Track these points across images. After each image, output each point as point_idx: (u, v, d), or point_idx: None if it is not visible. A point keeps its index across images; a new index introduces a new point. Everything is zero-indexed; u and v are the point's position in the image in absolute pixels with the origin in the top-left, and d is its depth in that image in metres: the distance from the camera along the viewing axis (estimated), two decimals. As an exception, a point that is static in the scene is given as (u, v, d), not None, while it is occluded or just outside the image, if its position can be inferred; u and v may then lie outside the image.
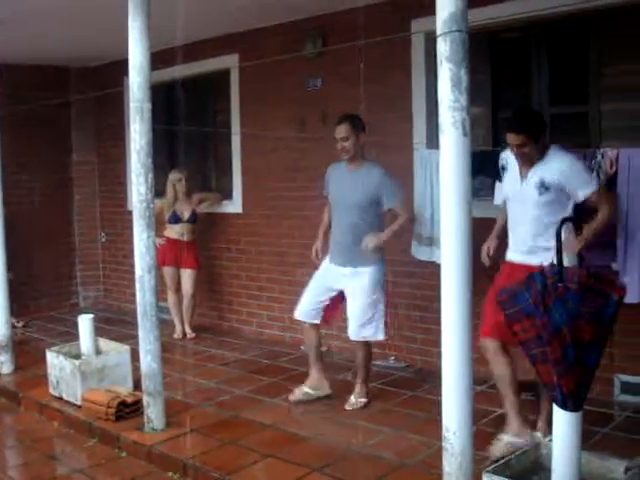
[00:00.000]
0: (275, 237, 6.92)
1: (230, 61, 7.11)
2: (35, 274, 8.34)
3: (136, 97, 4.49)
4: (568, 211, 3.99)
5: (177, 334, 7.22)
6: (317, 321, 5.17)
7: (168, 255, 7.06)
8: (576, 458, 3.01)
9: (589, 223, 3.98)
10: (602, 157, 4.52)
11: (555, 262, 3.03)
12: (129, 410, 4.91)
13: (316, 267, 5.26)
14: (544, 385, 3.15)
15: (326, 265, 5.17)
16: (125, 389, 5.17)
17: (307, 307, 5.17)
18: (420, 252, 5.52)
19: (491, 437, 4.16)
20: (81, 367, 5.21)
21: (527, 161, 4.08)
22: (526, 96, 5.36)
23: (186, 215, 7.11)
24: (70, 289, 8.93)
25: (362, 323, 4.97)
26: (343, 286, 5.05)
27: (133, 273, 4.67)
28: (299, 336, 6.71)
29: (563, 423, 3.01)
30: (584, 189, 3.96)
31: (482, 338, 4.13)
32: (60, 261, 8.79)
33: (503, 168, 4.30)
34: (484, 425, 4.49)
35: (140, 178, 4.53)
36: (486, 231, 4.44)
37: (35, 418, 5.38)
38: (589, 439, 4.00)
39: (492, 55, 5.58)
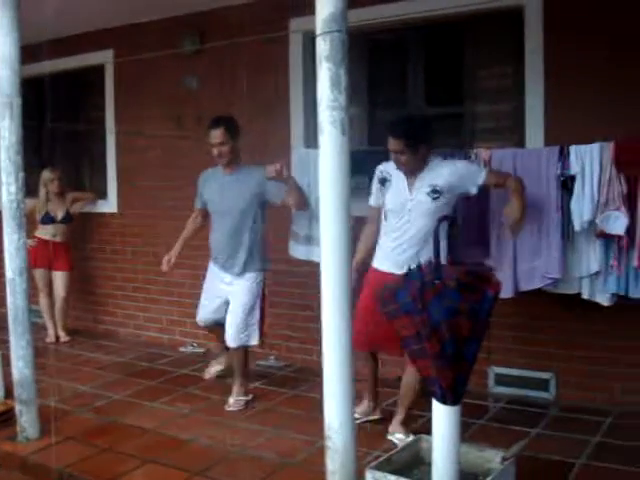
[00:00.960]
0: (151, 237, 6.78)
1: (104, 56, 6.91)
2: None
3: (5, 92, 4.28)
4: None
5: (50, 338, 6.96)
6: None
7: (40, 257, 6.79)
8: (455, 450, 3.10)
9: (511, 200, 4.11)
10: (475, 157, 4.68)
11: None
12: (0, 419, 4.70)
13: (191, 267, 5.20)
14: (423, 380, 3.23)
15: (211, 268, 5.19)
16: (-3, 397, 4.94)
17: (205, 315, 5.27)
18: (297, 251, 5.53)
19: (374, 433, 4.25)
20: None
21: (409, 170, 4.14)
22: (403, 97, 5.48)
23: (60, 215, 6.87)
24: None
25: (239, 329, 4.98)
26: (226, 293, 5.08)
27: (3, 276, 4.48)
28: (178, 337, 6.65)
29: (442, 417, 3.09)
30: (478, 178, 4.09)
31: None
32: None
33: (384, 180, 4.31)
34: (367, 422, 4.57)
35: (10, 177, 4.33)
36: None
37: None
38: (466, 431, 4.13)
39: (369, 56, 5.67)
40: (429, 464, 3.18)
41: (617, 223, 4.29)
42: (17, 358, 4.44)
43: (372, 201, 4.45)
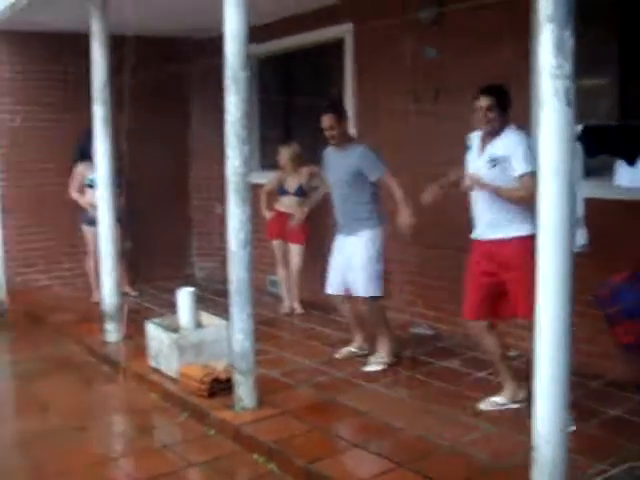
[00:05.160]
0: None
1: (343, 30, 6.85)
2: (153, 244, 8.39)
3: (232, 67, 4.33)
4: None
5: (285, 309, 7.12)
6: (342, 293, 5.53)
7: (275, 228, 6.95)
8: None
9: None
10: None
11: None
12: (223, 387, 4.82)
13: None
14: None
15: (336, 238, 5.57)
16: (222, 365, 5.07)
17: (333, 280, 5.52)
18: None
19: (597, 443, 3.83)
20: (178, 341, 5.18)
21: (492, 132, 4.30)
22: None
23: (293, 188, 6.96)
24: (187, 260, 9.04)
25: (364, 281, 5.27)
26: (347, 254, 5.37)
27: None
28: (408, 317, 6.46)
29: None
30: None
31: (466, 319, 4.52)
32: (178, 231, 8.89)
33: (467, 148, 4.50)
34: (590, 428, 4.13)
35: (235, 151, 4.38)
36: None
37: (134, 388, 5.40)
38: None
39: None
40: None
41: None
42: (238, 330, 4.53)
43: None
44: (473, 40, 5.64)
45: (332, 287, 5.54)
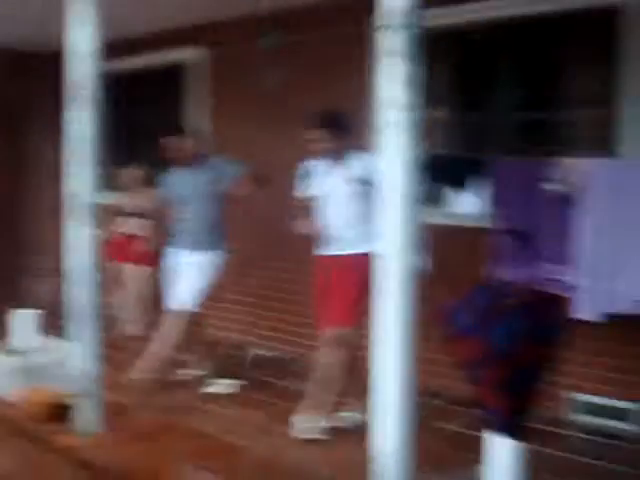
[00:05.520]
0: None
1: (187, 54, 6.95)
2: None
3: (79, 84, 4.26)
4: None
5: (126, 331, 6.96)
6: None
7: (115, 250, 6.78)
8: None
9: None
10: (560, 168, 4.31)
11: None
12: (64, 411, 4.65)
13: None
14: (484, 409, 2.96)
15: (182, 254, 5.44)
16: (63, 389, 4.90)
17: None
18: None
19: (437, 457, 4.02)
20: (17, 364, 4.99)
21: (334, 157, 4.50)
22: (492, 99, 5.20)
23: (135, 209, 6.83)
24: (26, 281, 8.67)
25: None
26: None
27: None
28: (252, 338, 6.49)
29: (500, 449, 2.84)
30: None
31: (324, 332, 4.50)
32: (18, 252, 8.57)
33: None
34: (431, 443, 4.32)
35: (75, 170, 4.32)
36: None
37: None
38: (537, 460, 3.80)
39: (458, 56, 5.40)
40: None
41: None
42: (80, 353, 4.43)
43: None
44: (318, 68, 5.82)
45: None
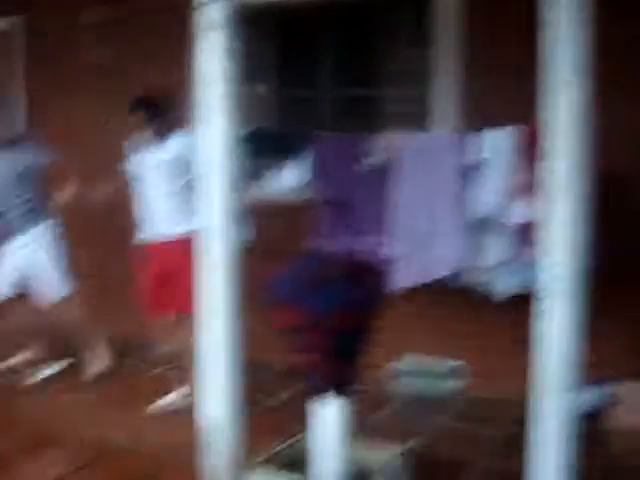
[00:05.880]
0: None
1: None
2: None
3: None
4: None
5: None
6: None
7: None
8: (342, 446, 2.98)
9: None
10: (378, 142, 4.51)
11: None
12: None
13: None
14: (306, 375, 3.07)
15: None
16: None
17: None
18: None
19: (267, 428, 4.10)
20: None
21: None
22: (313, 77, 5.31)
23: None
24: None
25: None
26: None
27: None
28: None
29: (326, 411, 2.96)
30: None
31: (152, 317, 4.62)
32: None
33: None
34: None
35: None
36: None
37: None
38: (363, 425, 4.00)
39: (280, 35, 5.48)
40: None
41: (521, 212, 4.19)
42: None
43: None
44: (139, 45, 5.72)
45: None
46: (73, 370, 5.30)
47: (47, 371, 5.28)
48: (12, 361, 5.47)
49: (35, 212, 5.13)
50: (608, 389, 3.48)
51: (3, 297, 5.24)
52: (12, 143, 5.16)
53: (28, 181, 5.12)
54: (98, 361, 5.32)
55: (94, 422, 4.42)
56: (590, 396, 3.78)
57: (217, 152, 2.98)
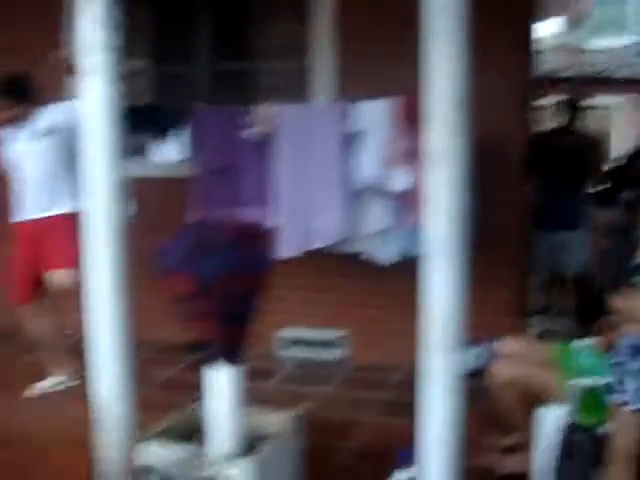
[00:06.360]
0: None
1: None
2: None
3: None
4: None
5: None
6: None
7: None
8: (235, 413, 3.00)
9: None
10: (256, 114, 4.52)
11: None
12: None
13: None
14: (199, 343, 3.08)
15: None
16: None
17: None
18: None
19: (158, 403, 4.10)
20: None
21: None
22: (188, 50, 5.26)
23: None
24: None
25: None
26: None
27: None
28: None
29: (220, 380, 2.98)
30: None
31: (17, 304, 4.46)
32: None
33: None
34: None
35: None
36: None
37: None
38: (253, 395, 4.04)
39: (156, 7, 5.37)
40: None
41: (401, 180, 4.31)
42: None
43: None
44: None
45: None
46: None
47: None
48: None
49: None
50: (489, 347, 3.65)
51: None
52: None
53: None
54: None
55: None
56: (473, 354, 3.96)
57: (98, 124, 2.90)
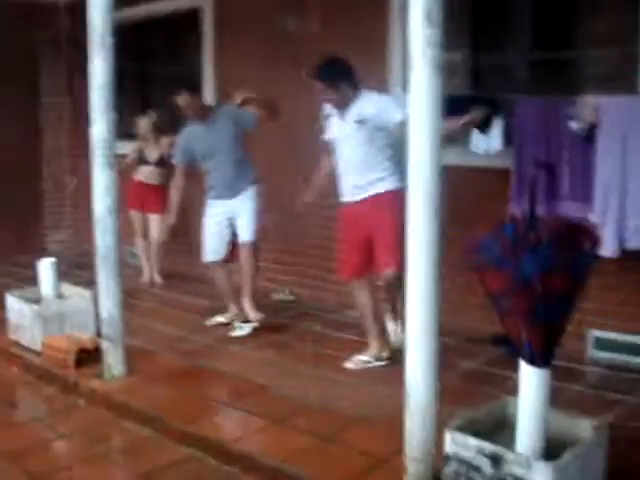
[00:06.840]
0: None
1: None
2: (3, 219, 8.07)
3: (98, 31, 4.24)
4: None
5: (145, 279, 7.06)
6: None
7: (134, 198, 6.87)
8: (543, 416, 2.90)
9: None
10: (581, 106, 4.33)
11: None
12: (90, 357, 4.75)
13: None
14: (514, 341, 3.01)
15: (210, 205, 5.61)
16: (86, 335, 5.00)
17: (211, 248, 5.58)
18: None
19: (460, 390, 4.10)
20: (41, 312, 5.04)
21: (337, 105, 4.51)
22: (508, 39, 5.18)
23: (153, 158, 6.90)
24: (40, 232, 8.72)
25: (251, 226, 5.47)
26: (229, 213, 5.50)
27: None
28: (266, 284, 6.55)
29: (530, 379, 2.90)
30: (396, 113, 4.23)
31: (345, 280, 4.79)
32: (28, 205, 8.53)
33: (327, 116, 4.70)
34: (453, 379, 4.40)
35: (100, 116, 4.31)
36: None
37: (-7, 363, 5.22)
38: (558, 396, 3.89)
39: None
40: (514, 428, 2.99)
41: None
42: (105, 297, 4.49)
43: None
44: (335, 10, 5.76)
45: (211, 254, 5.56)
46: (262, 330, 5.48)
47: (245, 329, 5.46)
48: (220, 318, 5.74)
49: (251, 173, 5.50)
50: None
51: (213, 260, 5.58)
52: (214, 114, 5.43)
53: (241, 142, 5.45)
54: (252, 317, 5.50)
55: (289, 377, 4.56)
56: None
57: (425, 114, 2.96)
